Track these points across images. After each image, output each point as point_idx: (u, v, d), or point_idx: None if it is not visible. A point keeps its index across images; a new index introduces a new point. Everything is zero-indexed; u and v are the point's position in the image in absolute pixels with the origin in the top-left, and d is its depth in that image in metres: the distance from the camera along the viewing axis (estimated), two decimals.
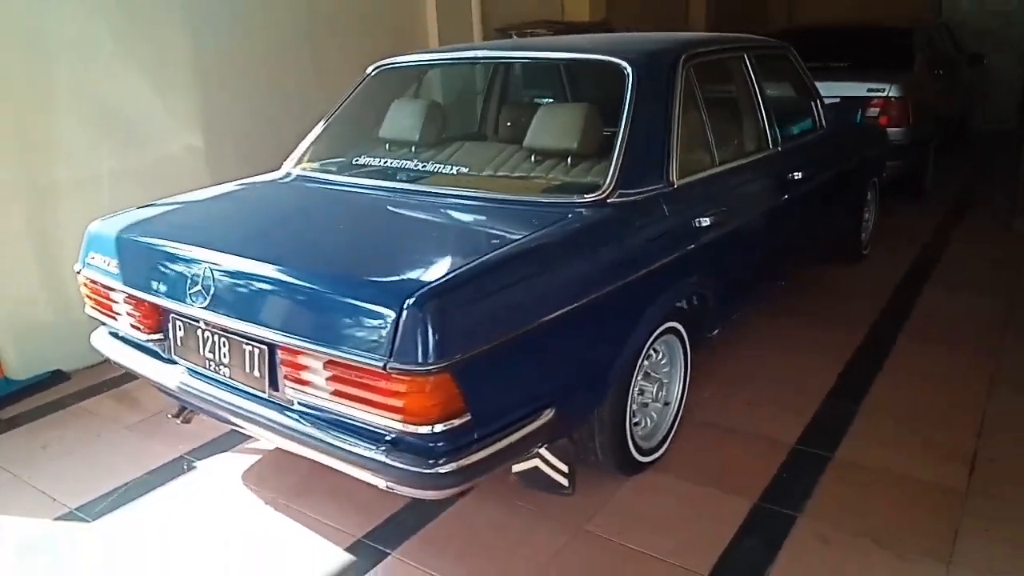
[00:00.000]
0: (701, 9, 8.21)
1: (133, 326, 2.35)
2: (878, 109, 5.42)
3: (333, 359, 1.79)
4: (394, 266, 1.94)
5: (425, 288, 1.70)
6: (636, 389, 2.45)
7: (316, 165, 2.92)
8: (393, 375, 1.68)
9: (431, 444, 1.76)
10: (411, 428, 1.73)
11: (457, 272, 1.77)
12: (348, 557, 2.26)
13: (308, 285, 1.89)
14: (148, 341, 2.33)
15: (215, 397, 2.14)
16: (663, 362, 2.63)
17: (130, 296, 2.31)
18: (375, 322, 1.71)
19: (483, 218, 2.25)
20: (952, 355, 3.37)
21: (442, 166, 2.68)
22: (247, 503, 2.55)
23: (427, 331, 1.66)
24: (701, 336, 2.79)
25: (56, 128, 3.43)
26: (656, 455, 2.63)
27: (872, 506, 2.38)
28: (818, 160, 3.59)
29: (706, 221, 2.51)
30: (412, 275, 1.78)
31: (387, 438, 1.80)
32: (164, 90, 3.84)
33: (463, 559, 2.25)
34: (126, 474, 2.73)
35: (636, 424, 2.52)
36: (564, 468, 2.20)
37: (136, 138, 3.76)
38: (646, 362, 2.49)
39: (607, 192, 2.25)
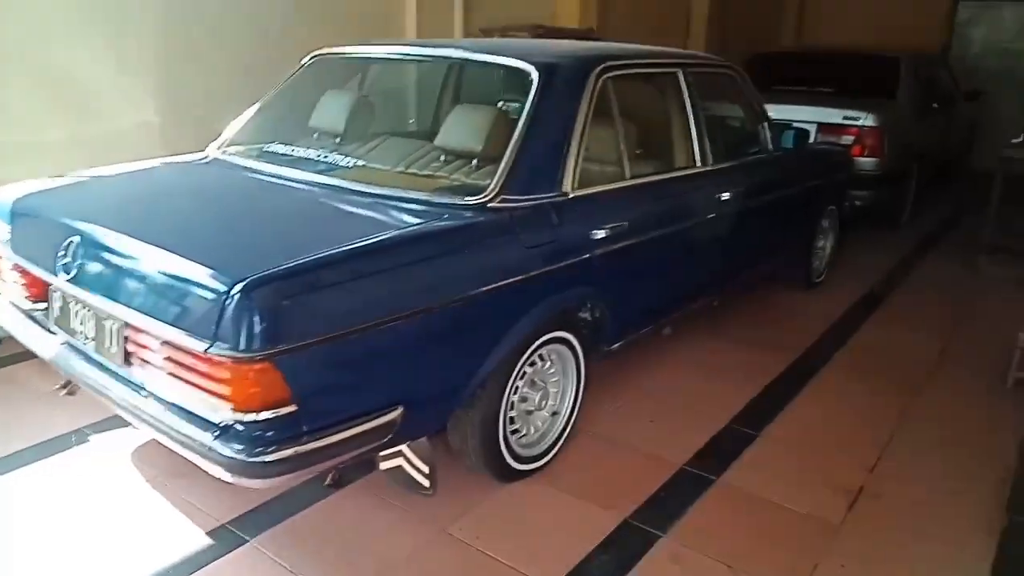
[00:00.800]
0: (703, 24, 8.16)
1: (21, 295, 2.38)
2: (852, 137, 5.37)
3: (168, 339, 1.80)
4: (243, 252, 1.95)
5: (255, 275, 1.71)
6: (515, 396, 2.44)
7: (236, 149, 2.94)
8: (215, 359, 1.69)
9: (256, 432, 1.76)
10: (234, 415, 1.74)
11: (294, 262, 1.78)
12: (206, 541, 2.27)
13: (156, 263, 1.90)
14: (33, 311, 2.36)
15: (84, 370, 2.16)
16: (551, 371, 2.62)
17: (16, 264, 2.34)
18: (205, 305, 1.72)
19: (359, 212, 2.25)
20: (871, 389, 3.33)
21: (349, 159, 2.68)
22: (127, 480, 2.56)
23: (251, 318, 1.67)
24: (597, 349, 2.77)
25: (4, 91, 3.48)
26: (539, 463, 2.61)
27: (739, 532, 2.36)
28: (758, 182, 3.56)
29: (601, 234, 2.50)
30: (251, 262, 1.78)
31: (218, 424, 1.80)
32: (123, 63, 3.87)
33: (319, 552, 2.25)
34: (17, 443, 2.75)
35: (516, 431, 2.51)
36: (425, 468, 2.20)
37: (89, 109, 3.79)
38: (528, 369, 2.48)
39: (490, 196, 2.25)
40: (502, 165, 2.30)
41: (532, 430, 2.60)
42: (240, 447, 1.76)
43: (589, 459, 2.73)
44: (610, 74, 2.69)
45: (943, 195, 7.46)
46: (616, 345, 2.84)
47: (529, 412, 2.57)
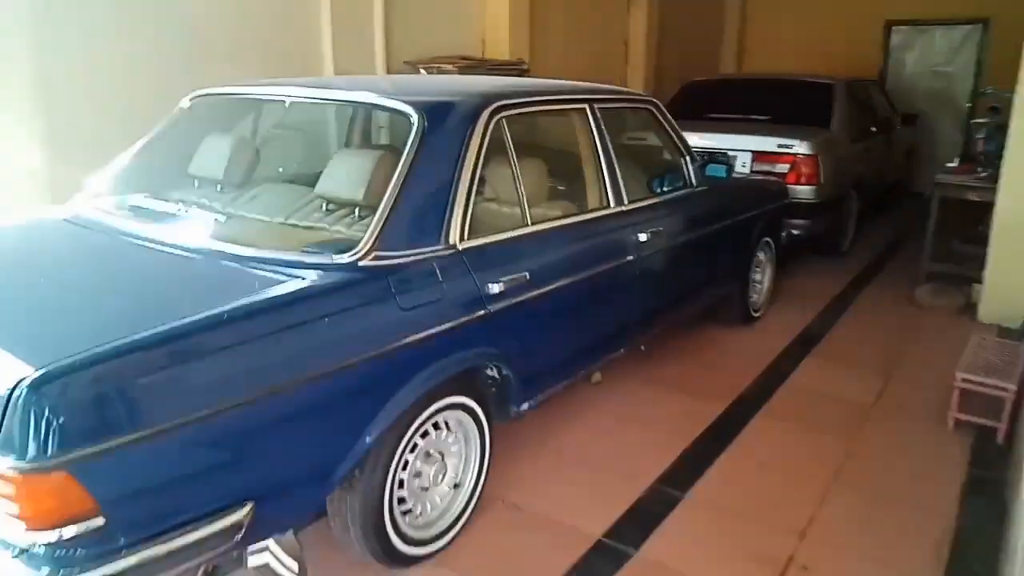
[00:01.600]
0: (641, 54, 8.09)
1: None
2: (788, 166, 5.26)
3: None
4: (48, 336, 1.66)
5: (45, 367, 1.43)
6: (404, 473, 2.18)
7: (100, 203, 2.64)
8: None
9: (60, 552, 1.48)
10: (32, 535, 1.45)
11: (101, 348, 1.50)
12: None
13: None
14: None
15: None
16: (451, 440, 2.36)
17: None
18: None
19: (213, 278, 1.99)
20: (805, 439, 3.13)
21: (220, 213, 2.41)
22: None
23: (39, 420, 1.40)
24: (506, 411, 2.53)
25: None
26: (438, 544, 2.35)
27: None
28: (680, 220, 3.38)
29: (497, 287, 2.27)
30: (49, 349, 1.51)
31: (16, 544, 1.51)
32: (3, 106, 3.57)
33: None
34: None
35: (409, 512, 2.25)
36: (293, 566, 1.93)
37: None
38: (420, 441, 2.23)
39: (361, 253, 2.00)
40: (375, 218, 2.06)
41: (429, 508, 2.34)
42: (46, 569, 1.48)
43: (496, 535, 2.47)
44: (506, 113, 2.48)
45: (885, 220, 7.42)
46: (528, 405, 2.59)
47: (424, 488, 2.31)
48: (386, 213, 2.07)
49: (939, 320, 4.64)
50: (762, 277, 4.53)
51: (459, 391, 2.29)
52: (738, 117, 6.02)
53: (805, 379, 3.72)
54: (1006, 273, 4.48)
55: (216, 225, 2.29)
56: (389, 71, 5.38)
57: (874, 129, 6.67)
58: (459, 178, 2.24)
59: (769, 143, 5.32)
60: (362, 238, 2.02)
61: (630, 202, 3.03)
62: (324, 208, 2.42)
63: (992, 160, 5.10)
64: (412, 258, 2.08)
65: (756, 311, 4.48)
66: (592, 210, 2.87)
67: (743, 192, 4.12)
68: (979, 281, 4.75)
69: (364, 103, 2.57)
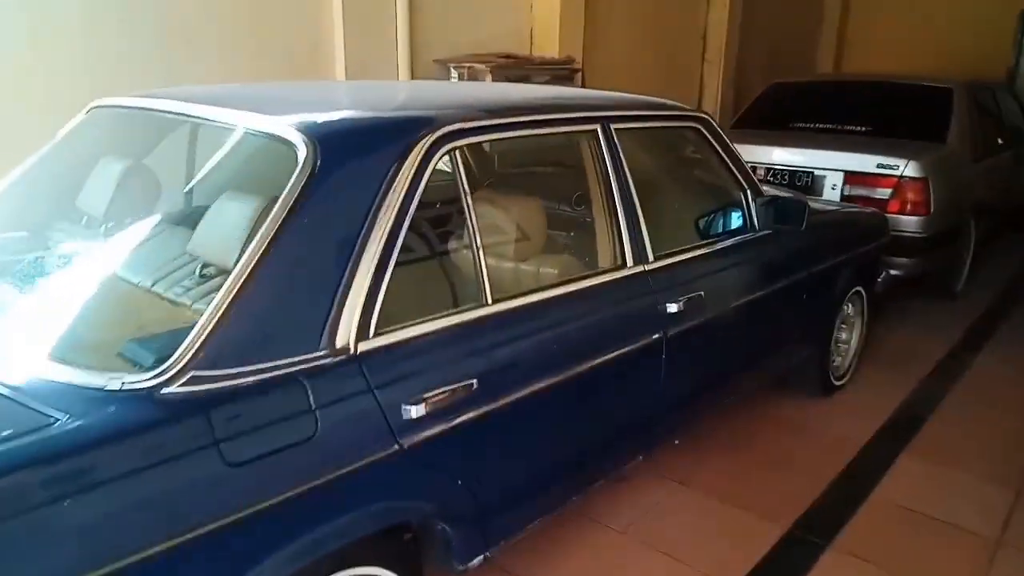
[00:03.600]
0: (719, 51, 7.10)
1: None
2: (889, 191, 4.25)
3: None
4: None
5: None
6: None
7: None
8: None
9: None
10: None
11: None
12: None
13: None
14: None
15: None
16: None
17: None
18: None
19: None
20: None
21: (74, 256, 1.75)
22: None
23: None
24: (450, 568, 1.76)
25: None
26: None
27: None
28: (734, 277, 2.53)
29: (417, 409, 1.50)
30: None
31: None
32: None
33: None
34: None
35: None
36: None
37: None
38: None
39: (168, 376, 1.27)
40: (207, 313, 1.33)
41: None
42: None
43: None
44: (461, 142, 1.71)
45: (1008, 251, 6.21)
46: (481, 559, 1.82)
47: None
48: (224, 304, 1.33)
49: None
50: (849, 336, 3.58)
51: (365, 559, 1.54)
52: (831, 128, 5.01)
53: (898, 490, 2.77)
54: None
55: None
56: (414, 73, 4.67)
57: (1000, 142, 5.51)
58: (365, 243, 1.48)
59: (867, 162, 4.33)
60: (174, 353, 1.29)
61: (656, 258, 2.19)
62: (200, 272, 1.71)
63: None
64: (258, 377, 1.34)
65: (839, 379, 3.54)
66: (596, 273, 2.05)
67: (826, 232, 3.18)
68: None
69: (236, 125, 1.81)
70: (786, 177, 4.58)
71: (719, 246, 2.50)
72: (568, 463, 2.04)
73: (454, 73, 4.79)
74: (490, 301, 1.72)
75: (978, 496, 2.74)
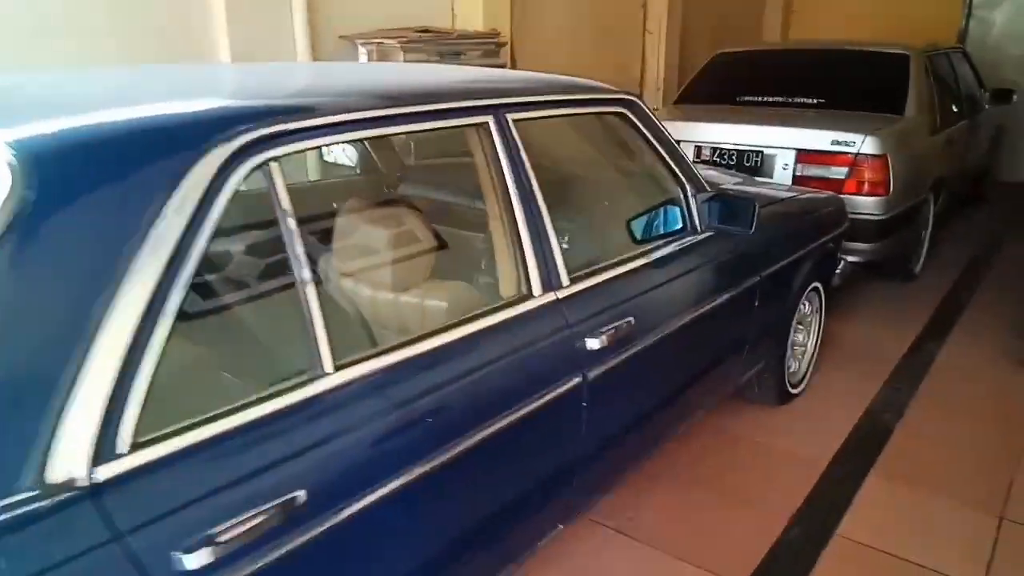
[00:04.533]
0: (661, 20, 6.66)
1: None
2: (845, 169, 3.88)
3: None
4: None
5: None
6: None
7: None
8: None
9: None
10: None
11: None
12: None
13: None
14: None
15: None
16: None
17: None
18: None
19: None
20: None
21: None
22: None
23: None
24: None
25: None
26: None
27: None
28: (672, 293, 2.11)
29: (196, 559, 1.03)
30: None
31: None
32: None
33: None
34: None
35: None
36: None
37: None
38: None
39: None
40: None
41: None
42: None
43: None
44: (273, 152, 1.23)
45: (968, 223, 5.94)
46: None
47: None
48: None
49: None
50: (805, 337, 3.21)
51: None
52: (781, 101, 4.63)
53: (867, 526, 2.40)
54: None
55: None
56: (316, 53, 4.12)
57: (956, 111, 5.20)
58: (108, 318, 1.00)
59: (820, 138, 3.95)
60: None
61: (572, 281, 1.75)
62: None
63: None
64: None
65: (796, 386, 3.17)
66: (485, 313, 1.59)
67: (779, 226, 2.78)
68: None
69: None
70: (733, 157, 4.18)
71: (653, 257, 2.06)
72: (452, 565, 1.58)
73: (362, 51, 4.26)
74: (325, 368, 1.26)
75: (956, 527, 2.39)
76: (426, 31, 4.49)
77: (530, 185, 1.69)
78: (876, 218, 3.86)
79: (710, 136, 4.26)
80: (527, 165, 1.70)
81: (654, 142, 2.17)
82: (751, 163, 4.12)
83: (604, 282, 1.85)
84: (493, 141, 1.65)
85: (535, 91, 1.88)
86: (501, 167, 1.65)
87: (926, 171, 4.39)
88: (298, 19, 3.99)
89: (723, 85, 4.99)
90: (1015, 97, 6.01)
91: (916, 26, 6.76)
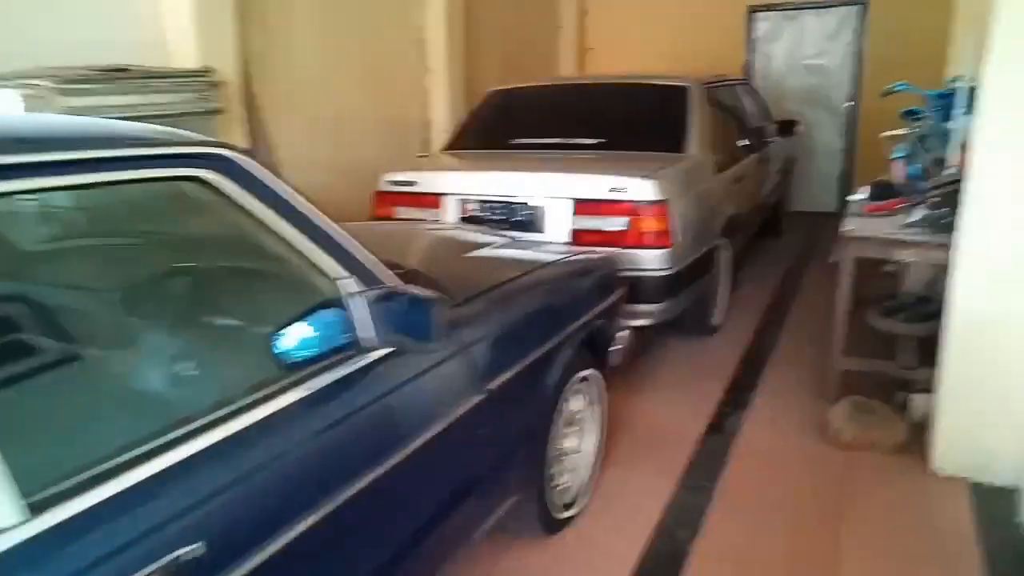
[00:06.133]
0: (441, 56, 6.04)
1: None
2: (624, 220, 3.33)
3: None
4: None
5: None
6: None
7: None
8: None
9: None
10: None
11: None
12: None
13: None
14: None
15: None
16: None
17: None
18: None
19: None
20: None
21: None
22: None
23: None
24: None
25: None
26: None
27: None
28: (310, 462, 1.33)
29: None
30: None
31: None
32: None
33: None
34: None
35: None
36: None
37: None
38: None
39: None
40: None
41: None
42: None
43: None
44: None
45: (764, 261, 5.71)
46: None
47: None
48: None
49: (872, 469, 2.81)
50: (580, 441, 2.56)
51: None
52: (558, 143, 4.07)
53: None
54: (971, 396, 2.71)
55: None
56: None
57: (746, 144, 4.92)
58: None
59: (597, 185, 3.39)
60: None
61: (39, 508, 0.93)
62: None
63: (919, 191, 3.38)
64: None
65: (570, 506, 2.50)
66: None
67: (517, 313, 2.09)
68: (924, 388, 3.00)
69: None
70: (501, 211, 3.55)
71: (270, 409, 1.28)
72: None
73: (17, 96, 3.25)
74: None
75: None
76: (113, 70, 3.55)
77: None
78: (661, 274, 3.34)
79: (475, 187, 3.61)
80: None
81: (278, 219, 1.40)
82: (522, 217, 3.50)
83: (117, 503, 1.04)
84: None
85: (32, 148, 1.06)
86: None
87: (716, 213, 3.98)
88: None
89: (496, 127, 4.41)
90: (799, 127, 5.91)
91: (706, 61, 6.61)
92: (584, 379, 2.48)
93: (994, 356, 2.62)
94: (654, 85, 4.26)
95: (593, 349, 2.56)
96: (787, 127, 5.93)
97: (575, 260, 2.66)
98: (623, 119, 4.15)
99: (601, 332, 2.61)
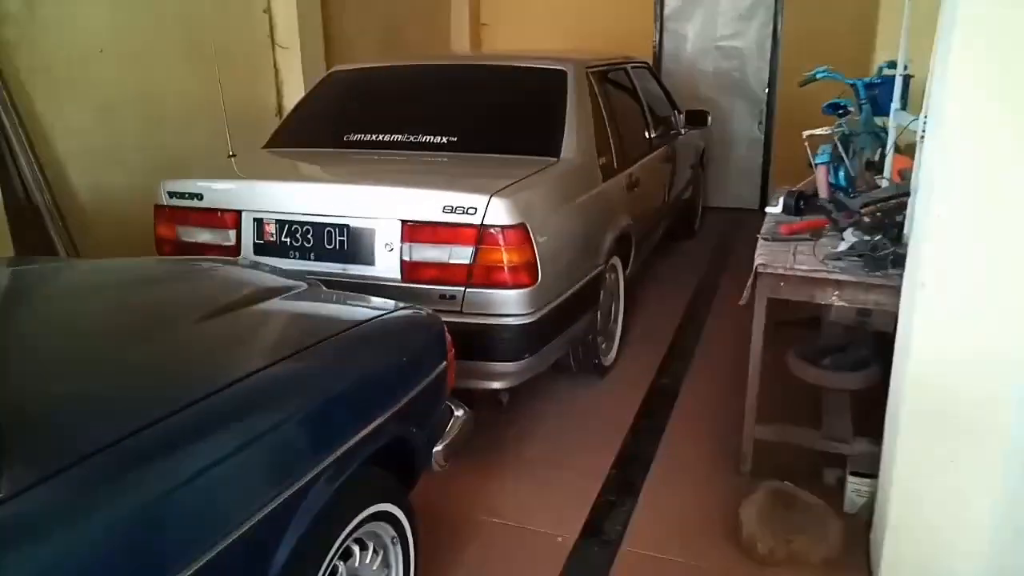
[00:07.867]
0: (293, 29, 5.04)
1: None
2: (469, 251, 2.47)
3: None
4: None
5: None
6: None
7: None
8: None
9: None
10: None
11: None
12: None
13: None
14: None
15: None
16: None
17: None
18: None
19: None
20: None
21: None
22: None
23: None
24: None
25: None
26: None
27: None
28: None
29: None
30: None
31: None
32: None
33: None
34: None
35: None
36: None
37: None
38: None
39: None
40: None
41: None
42: None
43: None
44: None
45: (672, 272, 4.97)
46: None
47: None
48: None
49: None
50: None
51: None
52: (400, 141, 3.17)
53: None
54: (932, 478, 1.96)
55: None
56: None
57: (650, 137, 4.14)
58: None
59: (429, 202, 2.51)
60: None
61: None
62: None
63: (847, 207, 2.64)
64: None
65: None
66: None
67: (248, 444, 1.22)
68: (862, 470, 2.28)
69: None
70: (311, 237, 2.63)
71: None
72: None
73: None
74: None
75: None
76: None
77: None
78: (520, 322, 2.49)
79: (277, 203, 2.68)
80: None
81: None
82: (335, 245, 2.60)
83: None
84: None
85: None
86: None
87: (603, 230, 3.17)
88: None
89: (330, 119, 3.47)
90: (710, 119, 5.17)
91: (613, 42, 5.82)
92: (375, 516, 1.62)
93: (965, 422, 1.88)
94: (524, 68, 3.39)
95: (395, 465, 1.70)
96: (697, 117, 5.17)
97: (383, 322, 1.78)
98: (485, 112, 3.28)
99: (407, 439, 1.74)
